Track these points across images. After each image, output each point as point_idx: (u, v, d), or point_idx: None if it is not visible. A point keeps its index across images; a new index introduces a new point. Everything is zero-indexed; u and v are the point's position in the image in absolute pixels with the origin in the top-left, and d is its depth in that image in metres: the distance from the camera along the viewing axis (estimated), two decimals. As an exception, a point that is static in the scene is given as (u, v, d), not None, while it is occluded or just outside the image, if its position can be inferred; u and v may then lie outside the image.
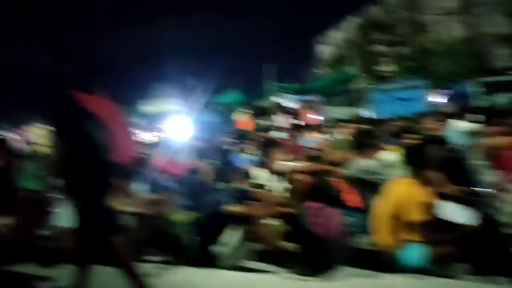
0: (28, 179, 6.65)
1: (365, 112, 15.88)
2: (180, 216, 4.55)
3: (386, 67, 22.84)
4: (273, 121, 16.23)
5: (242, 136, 10.25)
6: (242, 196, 4.53)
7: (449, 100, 16.70)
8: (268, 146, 5.26)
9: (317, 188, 5.14)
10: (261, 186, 4.95)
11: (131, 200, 4.82)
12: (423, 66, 18.33)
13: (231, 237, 4.10)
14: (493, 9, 22.57)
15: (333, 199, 5.17)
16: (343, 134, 7.61)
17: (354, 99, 17.56)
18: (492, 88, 15.31)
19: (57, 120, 3.08)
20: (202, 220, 4.37)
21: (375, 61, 22.05)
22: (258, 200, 4.62)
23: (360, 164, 4.54)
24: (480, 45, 21.30)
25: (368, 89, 16.24)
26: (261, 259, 4.12)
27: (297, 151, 7.85)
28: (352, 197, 5.11)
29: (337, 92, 17.51)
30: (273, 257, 4.02)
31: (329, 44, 32.00)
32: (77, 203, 3.13)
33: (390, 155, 4.97)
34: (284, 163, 5.22)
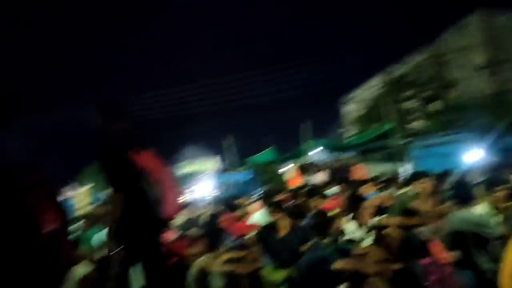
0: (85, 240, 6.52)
1: (405, 168, 15.65)
2: (272, 274, 4.30)
3: (417, 123, 22.76)
4: (312, 178, 16.08)
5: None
6: (342, 253, 4.28)
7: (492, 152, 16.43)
8: (356, 200, 5.04)
9: (408, 242, 4.88)
10: (354, 242, 4.70)
11: (218, 259, 4.62)
12: (457, 121, 18.17)
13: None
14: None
15: (423, 254, 4.90)
16: (417, 188, 7.33)
17: (392, 155, 17.34)
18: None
19: (113, 178, 3.26)
20: (298, 278, 4.11)
21: (403, 118, 21.93)
22: (359, 256, 4.36)
23: (463, 216, 4.28)
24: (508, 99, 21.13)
25: (405, 144, 16.04)
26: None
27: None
28: (442, 252, 4.83)
29: (375, 148, 17.32)
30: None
31: (355, 103, 32.26)
32: (137, 260, 3.29)
33: (485, 207, 4.72)
34: (375, 217, 4.99)
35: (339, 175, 17.27)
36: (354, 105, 32.12)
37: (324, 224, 4.09)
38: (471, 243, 4.22)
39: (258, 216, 7.61)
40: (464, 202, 4.54)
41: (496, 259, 4.05)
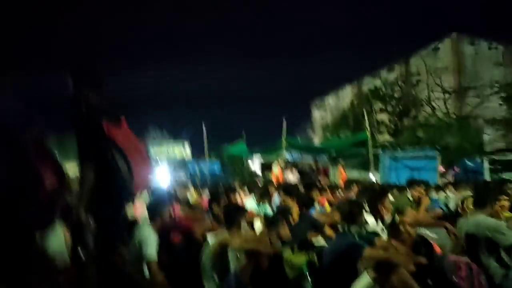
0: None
1: (375, 177, 16.11)
2: (293, 257, 4.32)
3: (386, 136, 23.45)
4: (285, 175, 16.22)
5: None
6: (367, 242, 4.35)
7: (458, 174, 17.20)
8: (377, 195, 5.15)
9: (419, 241, 5.05)
10: (376, 234, 4.79)
11: (237, 236, 4.61)
12: (429, 139, 18.87)
13: (360, 284, 3.87)
14: (489, 93, 23.80)
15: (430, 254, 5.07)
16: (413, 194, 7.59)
17: (363, 163, 17.78)
18: (500, 166, 15.77)
19: (84, 147, 3.25)
20: (326, 262, 4.16)
21: (374, 130, 22.54)
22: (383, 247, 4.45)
23: (480, 220, 4.45)
24: (475, 124, 22.12)
25: (378, 154, 16.50)
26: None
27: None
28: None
29: (347, 155, 17.71)
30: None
31: (326, 109, 32.85)
32: (95, 223, 3.30)
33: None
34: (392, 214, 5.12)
35: (308, 177, 17.59)
36: (324, 111, 32.72)
37: (354, 213, 4.15)
38: (483, 247, 4.38)
39: (248, 202, 7.66)
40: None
41: (506, 265, 4.26)
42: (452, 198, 8.64)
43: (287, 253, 4.38)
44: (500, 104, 22.60)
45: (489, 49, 28.35)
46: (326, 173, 18.61)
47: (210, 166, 19.69)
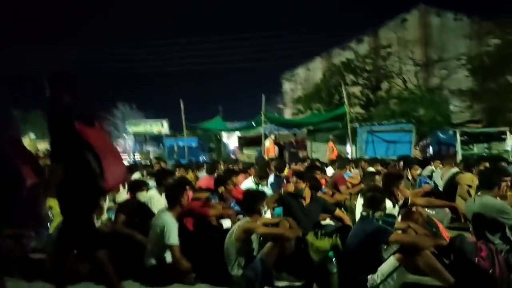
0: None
1: (351, 151, 16.49)
2: (317, 241, 4.50)
3: (359, 109, 23.77)
4: (262, 151, 16.40)
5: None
6: (389, 225, 4.57)
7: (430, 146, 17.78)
8: (393, 180, 5.35)
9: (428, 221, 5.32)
10: (394, 217, 5.01)
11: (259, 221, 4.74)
12: (402, 112, 19.29)
13: (386, 266, 4.10)
14: (455, 65, 24.43)
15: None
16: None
17: (339, 137, 18.06)
18: (470, 138, 16.35)
19: (57, 145, 3.46)
20: (347, 247, 4.35)
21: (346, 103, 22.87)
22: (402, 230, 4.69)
23: (487, 201, 4.73)
24: (443, 96, 22.69)
25: (354, 128, 16.80)
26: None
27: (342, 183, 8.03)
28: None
29: (327, 128, 17.95)
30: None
31: (296, 82, 32.86)
32: (66, 220, 3.57)
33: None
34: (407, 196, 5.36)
35: (288, 150, 17.82)
36: (295, 84, 32.73)
37: (378, 199, 4.34)
38: (489, 226, 4.67)
39: (247, 183, 7.79)
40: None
41: (510, 242, 4.58)
42: (437, 173, 8.99)
43: (311, 238, 4.55)
44: (467, 76, 23.23)
45: (454, 21, 28.98)
46: (304, 147, 18.92)
47: (187, 142, 19.62)
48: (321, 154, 17.13)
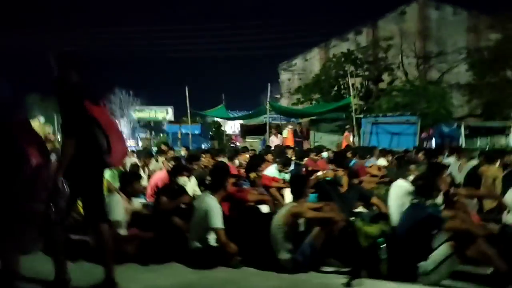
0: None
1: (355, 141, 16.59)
2: (366, 226, 4.54)
3: (355, 101, 23.87)
4: (268, 140, 16.43)
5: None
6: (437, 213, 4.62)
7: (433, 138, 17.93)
8: (437, 170, 5.40)
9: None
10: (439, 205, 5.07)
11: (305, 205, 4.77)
12: (406, 104, 19.38)
13: (438, 253, 4.14)
14: (455, 59, 24.66)
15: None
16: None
17: (341, 127, 18.14)
18: (473, 132, 16.54)
19: (68, 123, 3.56)
20: (397, 233, 4.40)
21: (344, 93, 22.95)
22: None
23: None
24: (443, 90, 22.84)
25: (358, 119, 16.89)
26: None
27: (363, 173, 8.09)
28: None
29: (330, 118, 18.04)
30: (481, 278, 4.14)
31: (294, 72, 32.86)
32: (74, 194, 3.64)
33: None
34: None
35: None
36: (292, 74, 32.71)
37: (430, 187, 4.39)
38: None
39: (271, 170, 7.82)
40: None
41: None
42: (455, 164, 9.05)
43: (360, 223, 4.59)
44: (466, 70, 23.44)
45: (453, 14, 29.11)
46: (308, 137, 18.97)
47: (191, 129, 19.60)
48: (324, 144, 17.19)
